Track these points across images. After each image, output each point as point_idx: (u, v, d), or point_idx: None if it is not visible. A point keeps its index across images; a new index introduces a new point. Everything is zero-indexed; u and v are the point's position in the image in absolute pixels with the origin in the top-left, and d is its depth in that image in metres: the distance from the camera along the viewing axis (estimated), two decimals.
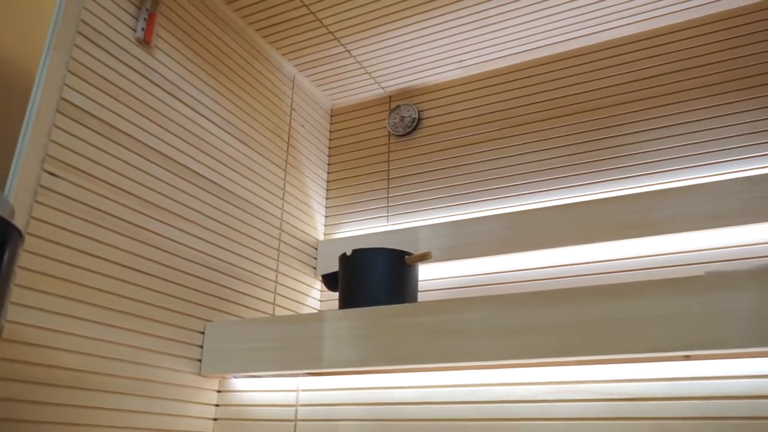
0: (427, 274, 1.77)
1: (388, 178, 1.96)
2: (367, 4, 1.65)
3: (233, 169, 1.61)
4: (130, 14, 1.36)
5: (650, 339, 0.98)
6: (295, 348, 1.29)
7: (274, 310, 1.69)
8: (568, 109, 1.76)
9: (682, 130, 1.60)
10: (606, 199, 1.55)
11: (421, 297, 1.75)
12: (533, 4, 1.63)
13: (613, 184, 1.63)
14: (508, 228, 1.65)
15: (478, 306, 1.13)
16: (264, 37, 1.81)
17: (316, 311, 1.89)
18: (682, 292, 0.98)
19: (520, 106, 1.84)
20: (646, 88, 1.68)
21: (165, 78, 1.44)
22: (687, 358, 1.05)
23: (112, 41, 1.30)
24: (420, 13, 1.68)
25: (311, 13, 1.69)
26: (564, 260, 1.61)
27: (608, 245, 1.54)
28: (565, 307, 1.05)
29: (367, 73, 1.96)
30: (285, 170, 1.84)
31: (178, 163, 1.43)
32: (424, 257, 1.42)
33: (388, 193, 1.95)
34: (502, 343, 1.08)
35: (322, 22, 1.73)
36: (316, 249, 1.95)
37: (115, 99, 1.29)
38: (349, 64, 1.92)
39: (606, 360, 1.07)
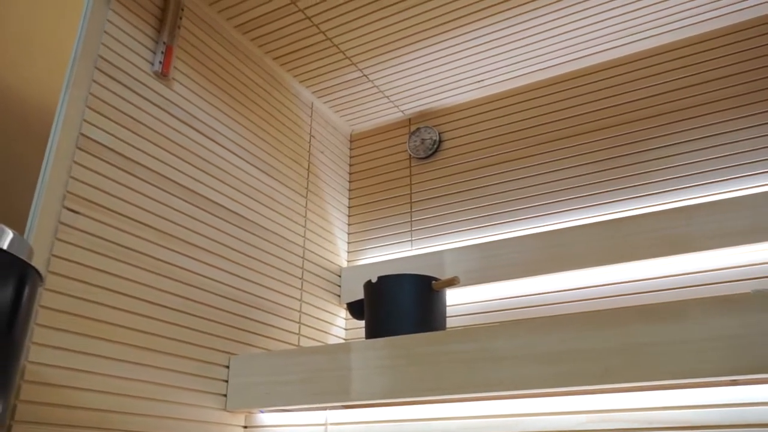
0: (455, 298, 1.73)
1: (411, 202, 1.94)
2: (383, 27, 1.64)
3: (254, 199, 1.60)
4: (147, 48, 1.36)
5: (694, 363, 0.93)
6: (323, 380, 1.25)
7: (299, 340, 1.66)
8: (594, 125, 1.72)
9: (716, 141, 1.54)
10: (639, 216, 1.50)
11: (450, 323, 1.70)
12: (552, 21, 1.61)
13: (646, 200, 1.58)
14: (537, 249, 1.60)
15: (511, 332, 1.08)
16: (281, 65, 1.80)
17: (342, 341, 1.85)
18: (727, 312, 0.92)
19: (543, 124, 1.80)
20: (675, 100, 1.63)
21: (184, 110, 1.43)
22: (734, 383, 0.99)
23: (130, 75, 1.30)
24: (437, 34, 1.67)
25: (328, 39, 1.69)
26: (597, 281, 1.55)
27: (644, 264, 1.49)
28: (602, 331, 1.00)
29: (386, 96, 1.95)
30: (306, 197, 1.82)
31: (198, 194, 1.42)
32: (452, 282, 1.38)
33: (411, 217, 1.92)
34: (538, 370, 1.04)
35: (338, 48, 1.72)
36: (340, 276, 1.92)
37: (135, 133, 1.29)
38: (367, 89, 1.91)
39: (647, 386, 1.01)
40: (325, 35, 1.67)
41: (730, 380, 0.96)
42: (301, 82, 1.88)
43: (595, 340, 1.00)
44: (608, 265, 1.51)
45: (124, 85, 1.28)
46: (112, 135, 1.23)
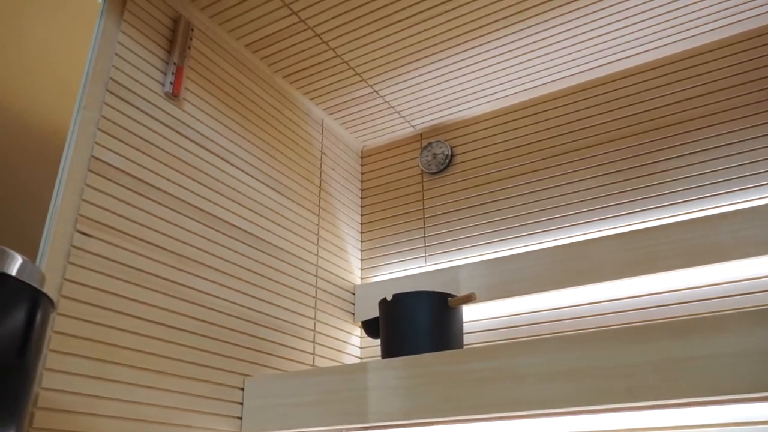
0: (471, 315, 1.70)
1: (424, 217, 1.91)
2: (393, 43, 1.63)
3: (267, 218, 1.59)
4: (158, 69, 1.36)
5: (725, 379, 0.89)
6: (339, 401, 1.23)
7: (314, 360, 1.64)
8: (609, 136, 1.70)
9: (735, 150, 1.51)
10: (659, 227, 1.46)
11: (466, 340, 1.67)
12: (562, 32, 1.59)
13: (663, 210, 1.55)
14: (554, 263, 1.57)
15: (532, 349, 1.05)
16: (291, 83, 1.80)
17: (357, 360, 1.83)
18: (760, 326, 0.89)
19: (556, 136, 1.78)
20: (692, 108, 1.61)
21: (195, 130, 1.42)
22: None
23: (141, 97, 1.30)
24: (446, 48, 1.66)
25: (338, 56, 1.68)
26: (616, 294, 1.52)
27: (665, 276, 1.45)
28: (630, 346, 0.97)
29: (396, 112, 1.94)
30: (318, 215, 1.81)
31: (210, 214, 1.41)
32: (468, 299, 1.36)
33: (424, 233, 1.89)
34: (561, 388, 1.01)
35: (348, 64, 1.72)
36: (354, 294, 1.89)
37: (146, 154, 1.28)
38: (377, 105, 1.90)
39: (681, 403, 0.98)
40: (335, 52, 1.67)
41: (763, 396, 0.92)
42: (311, 99, 1.88)
43: (621, 357, 0.97)
44: (628, 278, 1.47)
45: (136, 107, 1.28)
46: (124, 157, 1.23)
